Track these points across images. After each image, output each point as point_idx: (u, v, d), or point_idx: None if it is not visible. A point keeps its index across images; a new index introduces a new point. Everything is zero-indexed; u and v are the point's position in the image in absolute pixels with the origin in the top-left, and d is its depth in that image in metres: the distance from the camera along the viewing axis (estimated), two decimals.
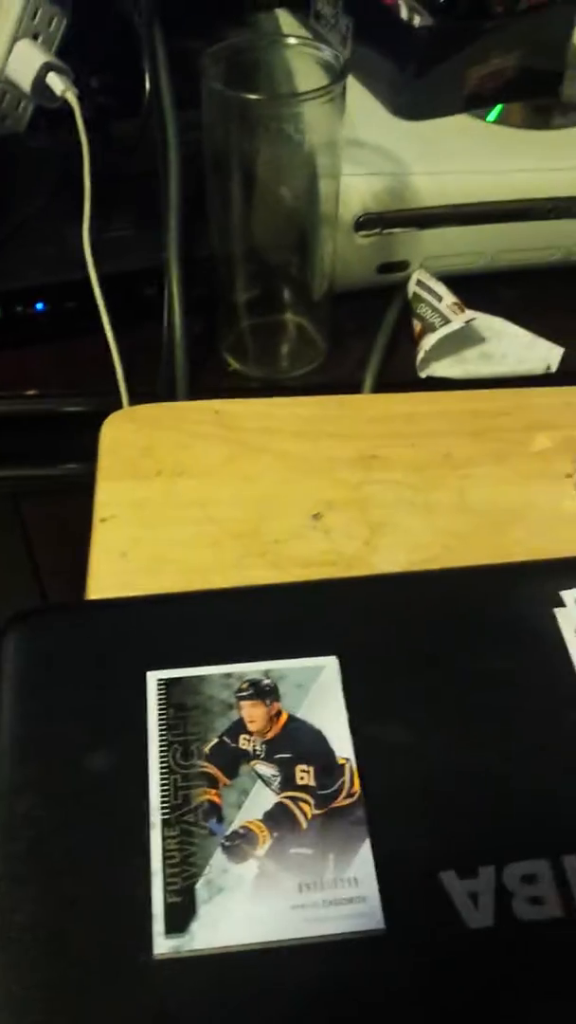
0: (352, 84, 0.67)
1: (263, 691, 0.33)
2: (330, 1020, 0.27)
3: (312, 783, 0.31)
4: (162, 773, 0.30)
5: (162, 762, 0.31)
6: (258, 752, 0.31)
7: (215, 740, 0.32)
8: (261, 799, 0.30)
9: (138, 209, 0.66)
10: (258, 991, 0.27)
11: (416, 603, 0.36)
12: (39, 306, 0.63)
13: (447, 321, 0.61)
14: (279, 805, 0.30)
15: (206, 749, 0.31)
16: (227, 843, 0.29)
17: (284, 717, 0.32)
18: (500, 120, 0.70)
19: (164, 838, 0.29)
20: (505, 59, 0.68)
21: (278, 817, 0.30)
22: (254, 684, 0.33)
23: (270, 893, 0.28)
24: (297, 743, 0.32)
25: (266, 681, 0.33)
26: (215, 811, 0.30)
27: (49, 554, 0.79)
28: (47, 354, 0.64)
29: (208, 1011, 0.26)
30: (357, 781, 0.31)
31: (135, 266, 0.63)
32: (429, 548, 0.46)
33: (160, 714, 0.32)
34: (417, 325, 0.63)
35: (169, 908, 0.28)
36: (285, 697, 0.33)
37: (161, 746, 0.31)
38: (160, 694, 0.33)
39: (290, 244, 0.60)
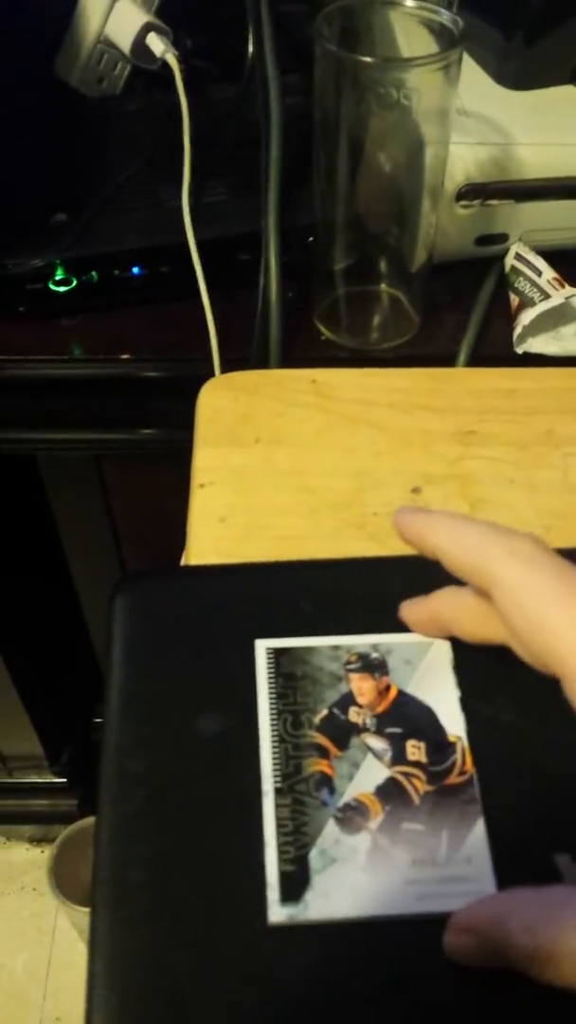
0: None
1: (372, 664, 0.33)
2: (438, 997, 0.26)
3: (423, 759, 0.30)
4: (273, 742, 0.30)
5: (273, 731, 0.30)
6: (368, 725, 0.31)
7: (325, 711, 0.31)
8: (372, 772, 0.30)
9: (236, 175, 0.66)
10: (368, 964, 0.27)
11: None
12: (135, 270, 0.62)
13: (546, 296, 0.59)
14: (391, 779, 0.30)
15: (316, 720, 0.31)
16: (339, 814, 0.29)
17: (393, 692, 0.32)
18: None
19: (276, 806, 0.29)
20: None
21: (390, 791, 0.29)
22: (363, 657, 0.33)
23: (383, 867, 0.28)
24: (407, 718, 0.31)
25: (375, 655, 0.33)
26: (327, 782, 0.30)
27: (129, 518, 0.79)
28: (141, 318, 0.64)
29: (318, 980, 0.26)
30: (470, 759, 0.30)
31: (232, 232, 0.62)
32: (531, 527, 0.45)
33: (270, 683, 0.32)
34: (514, 300, 0.62)
35: (284, 876, 0.27)
36: (394, 672, 0.32)
37: (272, 714, 0.31)
38: (270, 663, 0.32)
39: (391, 213, 0.58)
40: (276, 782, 0.29)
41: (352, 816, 0.29)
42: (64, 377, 0.63)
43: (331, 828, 0.29)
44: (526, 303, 0.60)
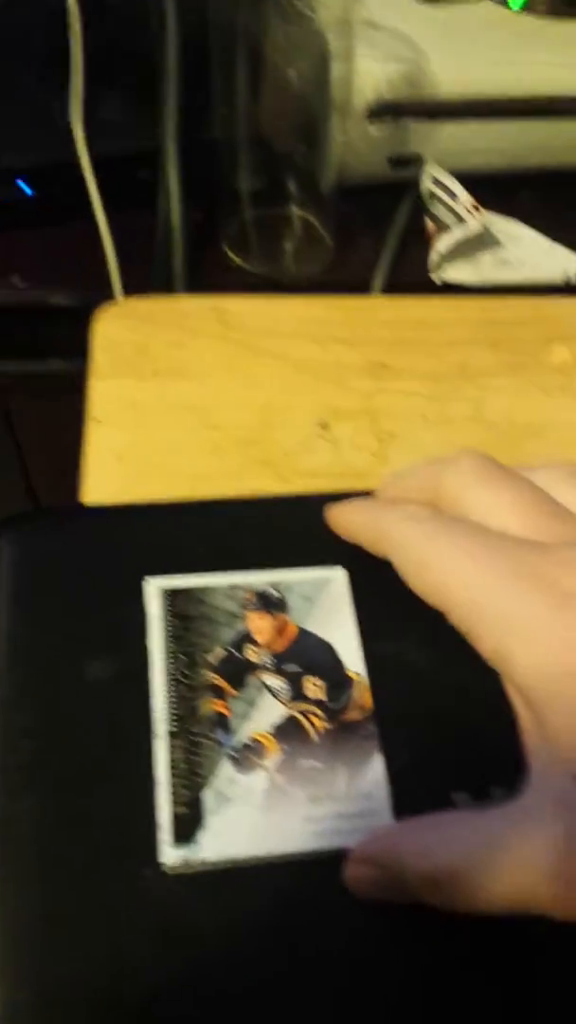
0: None
1: (270, 602, 0.33)
2: (339, 931, 0.27)
3: (322, 697, 0.31)
4: (167, 684, 0.31)
5: (167, 672, 0.31)
6: (266, 664, 0.32)
7: (221, 651, 0.32)
8: (269, 711, 0.31)
9: (135, 89, 0.64)
10: (267, 902, 0.27)
11: None
12: (25, 189, 0.61)
13: (462, 222, 0.60)
14: (288, 718, 0.30)
15: (212, 660, 0.31)
16: (235, 754, 0.29)
17: (292, 630, 0.32)
18: (526, 8, 0.67)
19: (170, 749, 0.29)
20: None
21: (287, 730, 0.30)
22: (261, 595, 0.33)
23: (280, 805, 0.28)
24: (306, 656, 0.32)
25: (273, 592, 0.33)
26: (222, 722, 0.30)
27: (39, 454, 0.78)
28: (34, 241, 0.62)
29: (217, 922, 0.27)
30: (368, 696, 0.31)
31: (129, 148, 0.61)
32: None
33: (164, 624, 0.32)
34: (430, 225, 0.62)
35: (176, 818, 0.28)
36: (292, 610, 0.33)
37: (167, 656, 0.31)
38: (163, 603, 0.32)
39: (298, 131, 0.58)
40: (170, 725, 0.30)
41: (248, 755, 0.29)
42: None
43: (226, 768, 0.29)
44: (441, 228, 0.60)
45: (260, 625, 0.33)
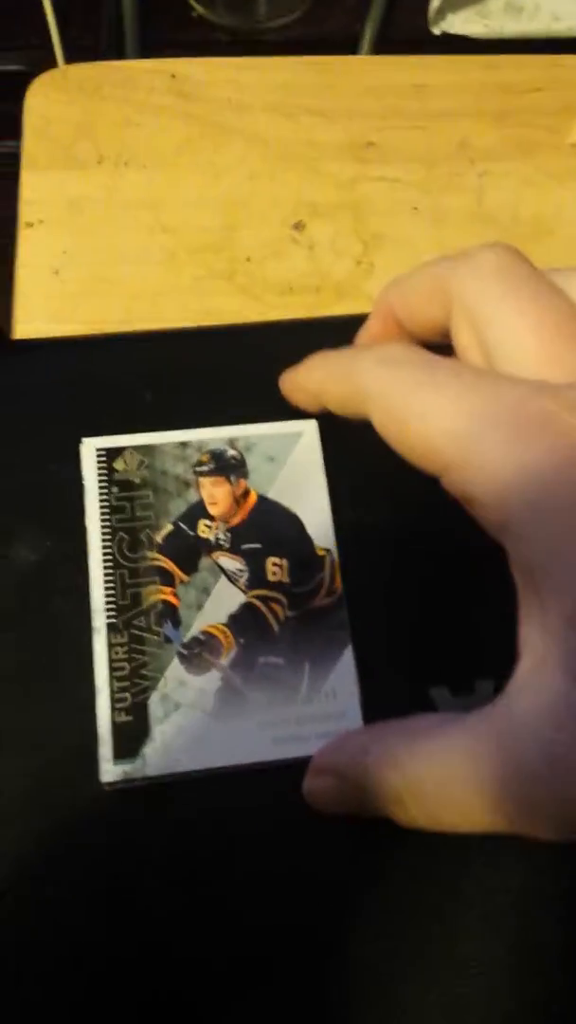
0: None
1: (227, 465, 0.29)
2: (298, 848, 0.25)
3: (286, 579, 0.27)
4: (106, 568, 0.27)
5: (105, 554, 0.27)
6: (221, 542, 0.28)
7: (169, 527, 0.28)
8: (225, 599, 0.27)
9: None
10: (220, 820, 0.25)
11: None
12: None
13: None
14: (246, 606, 0.27)
15: (158, 538, 0.28)
16: (185, 651, 0.26)
17: (253, 498, 0.29)
18: None
19: (110, 646, 0.26)
20: None
21: (245, 620, 0.27)
22: (216, 456, 0.29)
23: (235, 709, 0.26)
24: (268, 530, 0.28)
25: (231, 452, 0.29)
26: (170, 613, 0.27)
27: None
28: None
29: (165, 845, 0.25)
30: (339, 577, 0.27)
31: None
32: None
33: (101, 494, 0.28)
34: None
35: (117, 729, 0.25)
36: (254, 473, 0.29)
37: (104, 534, 0.27)
38: (100, 468, 0.28)
39: None
40: (109, 617, 0.26)
41: (200, 652, 0.26)
42: None
43: (175, 668, 0.26)
44: None
45: (215, 493, 0.29)
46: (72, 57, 0.49)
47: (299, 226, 0.40)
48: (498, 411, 0.22)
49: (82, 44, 0.50)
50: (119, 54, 0.50)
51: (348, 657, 0.27)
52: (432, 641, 0.27)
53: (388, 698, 0.26)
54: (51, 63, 0.49)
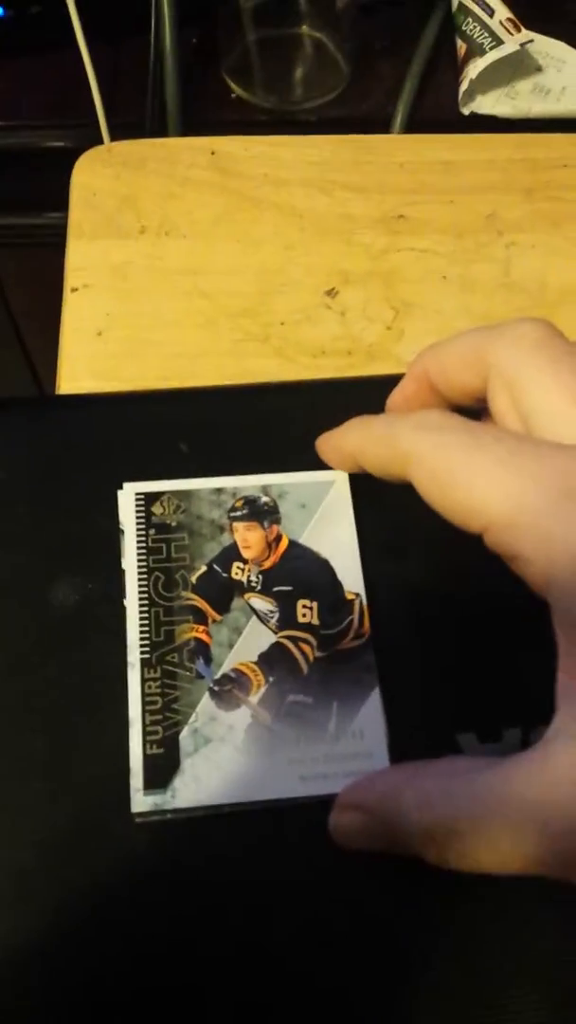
0: None
1: (260, 510, 0.30)
2: (323, 886, 0.26)
3: (315, 621, 0.28)
4: (141, 606, 0.28)
5: (141, 593, 0.28)
6: (253, 584, 0.29)
7: (203, 568, 0.29)
8: (256, 638, 0.28)
9: None
10: (247, 855, 0.26)
11: None
12: None
13: (498, 42, 0.53)
14: (276, 646, 0.28)
15: (192, 579, 0.29)
16: (216, 688, 0.27)
17: (284, 542, 0.30)
18: None
19: (143, 680, 0.27)
20: None
21: (275, 659, 0.28)
22: (250, 502, 0.30)
23: (263, 746, 0.27)
24: (299, 574, 0.29)
25: (264, 499, 0.30)
26: (203, 651, 0.28)
27: (31, 320, 0.74)
28: (9, 72, 0.56)
29: (192, 877, 0.25)
30: (367, 621, 0.28)
31: None
32: None
33: (139, 536, 0.29)
34: (462, 46, 0.55)
35: (148, 761, 0.26)
36: (286, 519, 0.30)
37: (140, 573, 0.29)
38: (139, 512, 0.30)
39: None
40: (143, 653, 0.28)
41: (230, 689, 0.27)
42: None
43: (206, 703, 0.27)
44: (475, 51, 0.54)
45: (248, 537, 0.30)
46: (117, 135, 0.52)
47: (332, 293, 0.42)
48: (545, 473, 0.23)
49: (127, 123, 0.53)
50: (162, 132, 0.53)
51: (375, 698, 0.27)
52: (460, 686, 0.28)
53: (415, 740, 0.27)
54: (97, 140, 0.52)
